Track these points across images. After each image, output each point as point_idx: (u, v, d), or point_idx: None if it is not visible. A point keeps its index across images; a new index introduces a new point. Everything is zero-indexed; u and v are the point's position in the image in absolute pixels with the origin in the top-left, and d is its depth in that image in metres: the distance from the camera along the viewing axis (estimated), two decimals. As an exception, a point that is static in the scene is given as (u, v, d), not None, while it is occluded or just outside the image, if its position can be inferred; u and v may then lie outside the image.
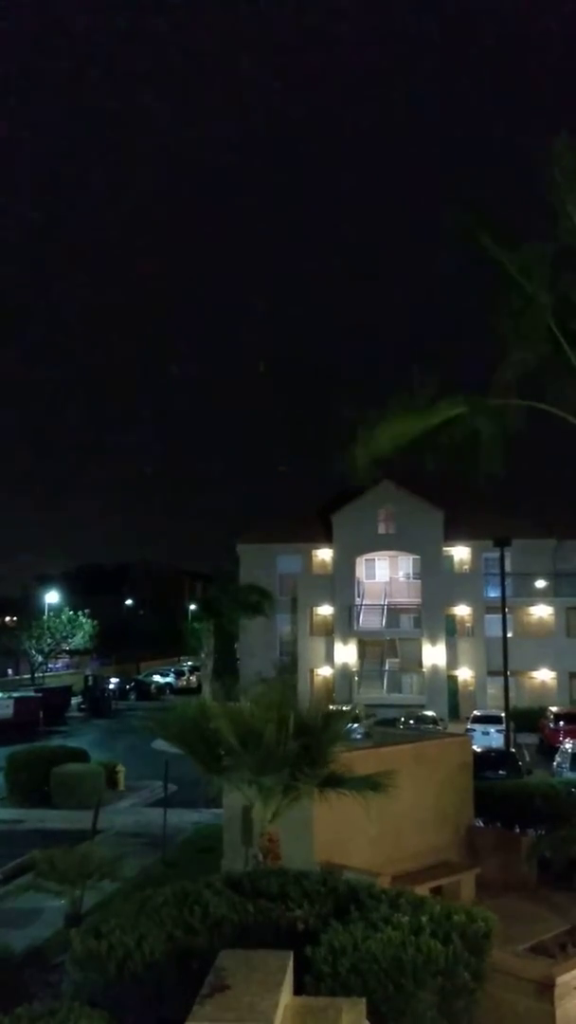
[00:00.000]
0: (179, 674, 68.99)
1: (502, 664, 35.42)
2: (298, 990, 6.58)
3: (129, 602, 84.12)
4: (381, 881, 10.27)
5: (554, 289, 8.05)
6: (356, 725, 28.02)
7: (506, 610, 36.92)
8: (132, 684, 62.58)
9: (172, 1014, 5.99)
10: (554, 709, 40.01)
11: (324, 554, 51.49)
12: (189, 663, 71.46)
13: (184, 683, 65.85)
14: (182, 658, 76.40)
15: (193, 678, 64.60)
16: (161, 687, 64.21)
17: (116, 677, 63.09)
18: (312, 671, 49.87)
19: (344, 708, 25.16)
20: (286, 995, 6.19)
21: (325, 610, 50.30)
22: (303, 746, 10.11)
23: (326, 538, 50.52)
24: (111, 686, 58.19)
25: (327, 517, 50.53)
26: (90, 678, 59.58)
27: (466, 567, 49.95)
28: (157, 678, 66.76)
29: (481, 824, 15.68)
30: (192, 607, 60.75)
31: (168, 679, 67.00)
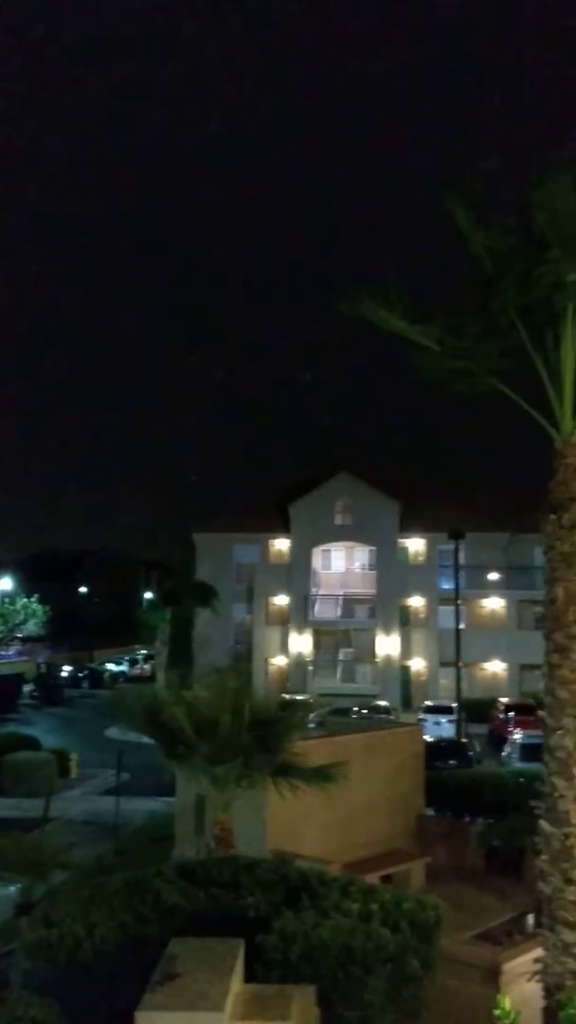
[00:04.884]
0: (133, 662, 68.66)
1: (454, 655, 35.82)
2: (249, 977, 6.64)
3: (83, 590, 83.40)
4: (331, 869, 10.36)
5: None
6: (310, 714, 28.14)
7: (459, 602, 37.29)
8: (85, 672, 62.17)
9: (123, 1002, 6.00)
10: (504, 700, 40.58)
11: (281, 544, 51.57)
12: (143, 652, 71.16)
13: (138, 671, 65.56)
14: (136, 646, 76.06)
15: (147, 667, 64.36)
16: (115, 675, 63.84)
17: (69, 665, 62.59)
18: (267, 660, 49.99)
19: (299, 697, 25.27)
20: (237, 982, 6.24)
21: (281, 600, 50.41)
22: (258, 736, 10.16)
23: (283, 528, 50.60)
24: (64, 674, 57.71)
25: (284, 507, 50.60)
26: (42, 666, 59.03)
27: (421, 559, 50.37)
28: (111, 666, 66.35)
29: (432, 813, 15.90)
30: (147, 595, 60.43)
31: (122, 667, 66.65)
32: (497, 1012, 4.69)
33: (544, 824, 7.19)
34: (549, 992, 6.95)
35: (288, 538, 50.59)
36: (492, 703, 40.94)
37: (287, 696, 28.26)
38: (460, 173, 7.74)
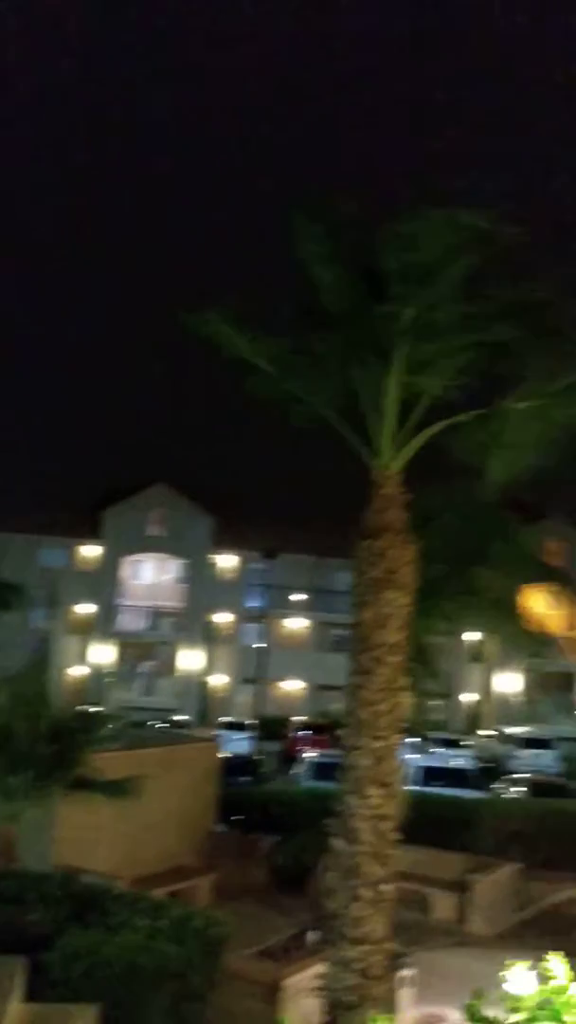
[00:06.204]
0: None
1: (255, 672, 36.30)
2: (31, 996, 6.39)
3: None
4: (120, 884, 10.19)
5: None
6: (107, 727, 27.60)
7: (264, 620, 37.88)
8: None
9: None
10: (297, 719, 41.40)
11: (90, 551, 50.41)
12: None
13: None
14: None
15: None
16: None
17: None
18: (64, 670, 48.58)
19: (96, 710, 24.67)
20: (16, 1002, 6.00)
21: (85, 608, 49.24)
22: (55, 748, 9.87)
23: (93, 534, 49.53)
24: None
25: (96, 513, 49.56)
26: None
27: (230, 575, 50.75)
28: None
29: (223, 829, 15.96)
30: None
31: None
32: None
33: (336, 841, 7.39)
34: (329, 1008, 7.12)
35: (98, 545, 49.57)
36: (287, 721, 41.69)
37: (84, 708, 27.59)
38: (310, 198, 7.93)
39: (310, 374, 8.14)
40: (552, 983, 4.58)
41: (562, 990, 4.53)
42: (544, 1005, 4.55)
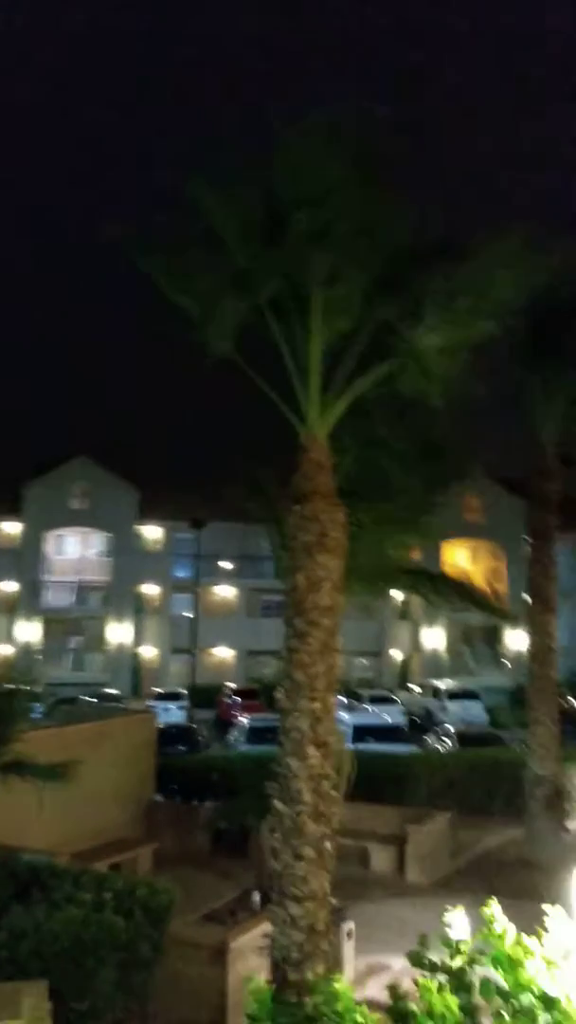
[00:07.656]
0: None
1: (186, 642, 36.28)
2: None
3: None
4: (59, 860, 10.12)
5: None
6: (37, 705, 27.27)
7: (193, 590, 37.79)
8: None
9: None
10: (231, 686, 41.63)
11: (11, 527, 49.37)
12: None
13: None
14: None
15: None
16: None
17: None
18: (-10, 649, 47.76)
19: (24, 687, 24.33)
20: (-39, 985, 5.94)
21: (9, 586, 48.34)
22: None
23: (14, 511, 48.48)
24: None
25: (17, 489, 48.48)
26: None
27: (157, 547, 50.38)
28: None
29: (161, 798, 16.00)
30: None
31: None
32: (251, 987, 4.84)
33: (277, 803, 7.45)
34: (276, 965, 7.23)
35: (19, 521, 48.58)
36: (219, 689, 41.85)
37: (10, 685, 27.16)
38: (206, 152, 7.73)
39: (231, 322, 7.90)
40: (493, 927, 4.75)
41: (502, 936, 4.70)
42: (483, 950, 4.72)
